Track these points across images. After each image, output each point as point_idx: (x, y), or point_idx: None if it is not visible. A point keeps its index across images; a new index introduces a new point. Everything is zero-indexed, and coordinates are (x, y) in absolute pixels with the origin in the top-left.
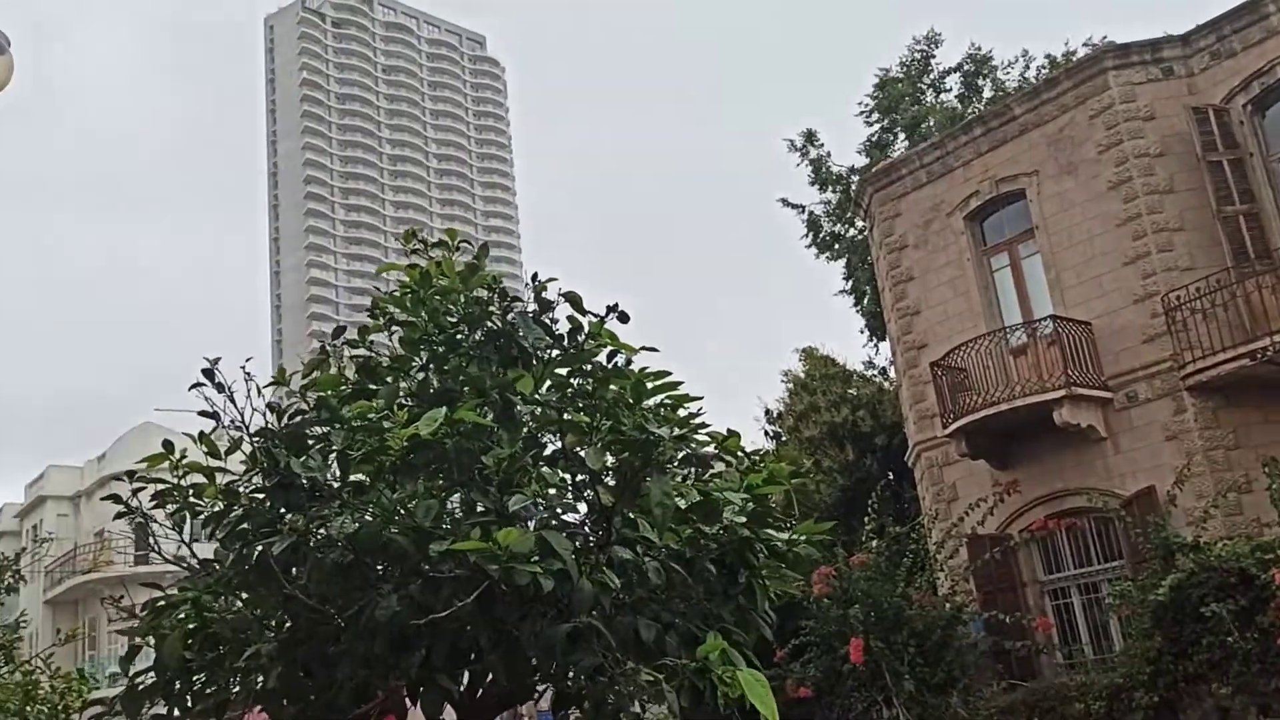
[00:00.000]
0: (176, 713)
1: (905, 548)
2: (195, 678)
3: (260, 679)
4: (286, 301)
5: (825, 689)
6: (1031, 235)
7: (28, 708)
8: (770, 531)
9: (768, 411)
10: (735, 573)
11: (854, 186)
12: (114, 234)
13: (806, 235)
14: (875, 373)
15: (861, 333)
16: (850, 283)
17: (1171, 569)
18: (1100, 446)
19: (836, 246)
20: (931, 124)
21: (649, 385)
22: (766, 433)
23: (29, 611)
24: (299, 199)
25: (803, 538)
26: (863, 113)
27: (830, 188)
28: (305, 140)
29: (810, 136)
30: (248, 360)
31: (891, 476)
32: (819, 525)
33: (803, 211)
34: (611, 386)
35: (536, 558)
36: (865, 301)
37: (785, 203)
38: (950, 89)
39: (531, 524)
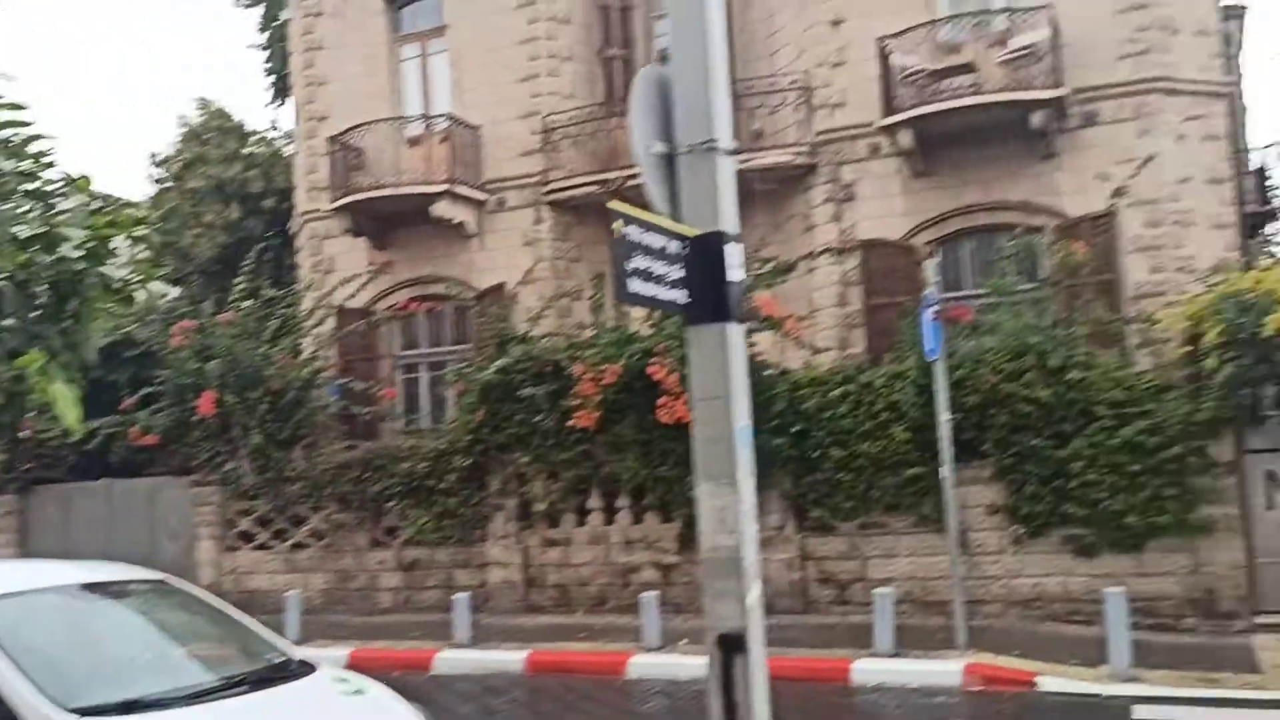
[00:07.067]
0: None
1: (276, 311)
2: None
3: None
4: None
5: (173, 438)
6: (443, 33)
7: None
8: (106, 270)
9: (153, 155)
10: (66, 300)
11: None
12: None
13: None
14: (281, 136)
15: (267, 91)
16: (266, 36)
17: (503, 355)
18: (468, 242)
19: None
20: None
21: None
22: (151, 177)
23: None
24: None
25: (139, 278)
26: None
27: None
28: None
29: None
30: None
31: (276, 241)
32: (154, 270)
33: None
34: None
35: None
36: (274, 60)
37: None
38: None
39: None
